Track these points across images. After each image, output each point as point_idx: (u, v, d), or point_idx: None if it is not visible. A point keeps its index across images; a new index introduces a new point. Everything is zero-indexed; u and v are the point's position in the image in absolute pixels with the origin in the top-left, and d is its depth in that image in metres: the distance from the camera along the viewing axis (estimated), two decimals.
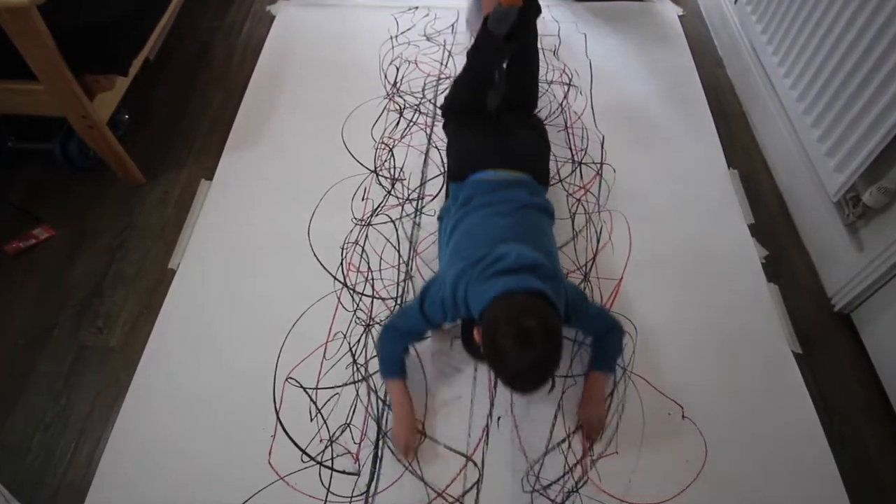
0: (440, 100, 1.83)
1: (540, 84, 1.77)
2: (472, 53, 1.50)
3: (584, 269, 1.45)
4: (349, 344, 1.31)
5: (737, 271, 1.46)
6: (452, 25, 2.11)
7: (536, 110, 1.63)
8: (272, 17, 2.15)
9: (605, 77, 1.95)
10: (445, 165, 1.59)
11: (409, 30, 2.10)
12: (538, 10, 1.48)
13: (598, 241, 1.51)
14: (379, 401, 1.22)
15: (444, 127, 1.58)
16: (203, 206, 1.56)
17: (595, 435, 1.19)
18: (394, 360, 1.19)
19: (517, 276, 1.04)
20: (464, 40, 2.05)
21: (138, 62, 1.50)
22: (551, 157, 1.60)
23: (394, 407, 1.19)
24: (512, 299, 1.01)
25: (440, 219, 1.44)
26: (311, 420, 1.20)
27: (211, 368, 1.27)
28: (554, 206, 1.35)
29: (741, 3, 1.90)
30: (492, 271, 1.06)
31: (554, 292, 1.05)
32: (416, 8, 2.19)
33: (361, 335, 1.32)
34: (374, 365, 1.27)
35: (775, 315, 1.38)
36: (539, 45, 1.58)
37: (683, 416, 1.22)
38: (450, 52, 2.00)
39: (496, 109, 1.41)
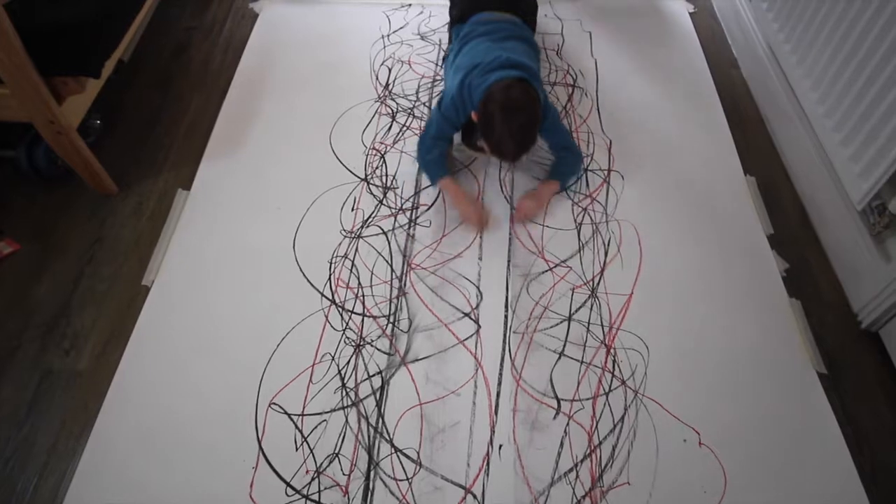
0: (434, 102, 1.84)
1: (543, 86, 1.83)
2: None
3: (591, 283, 1.44)
4: (338, 366, 1.30)
5: (756, 286, 1.46)
6: (448, 23, 2.12)
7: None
8: (255, 15, 2.17)
9: (611, 78, 1.96)
10: (449, 18, 1.95)
11: (401, 28, 2.11)
12: None
13: (606, 253, 1.51)
14: (370, 428, 1.21)
15: None
16: (180, 218, 1.55)
17: (520, 218, 1.56)
18: (436, 164, 1.56)
19: (506, 70, 1.45)
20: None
21: (111, 63, 1.51)
22: None
23: (453, 199, 1.56)
24: (501, 81, 1.42)
25: (444, 59, 1.82)
26: (297, 450, 1.19)
27: (187, 394, 1.25)
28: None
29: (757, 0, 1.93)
30: (488, 69, 1.47)
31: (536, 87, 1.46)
32: (410, 5, 2.21)
33: (351, 356, 1.31)
34: (365, 389, 1.26)
35: (798, 333, 1.38)
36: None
37: (700, 443, 1.21)
38: (446, 51, 2.01)
39: None
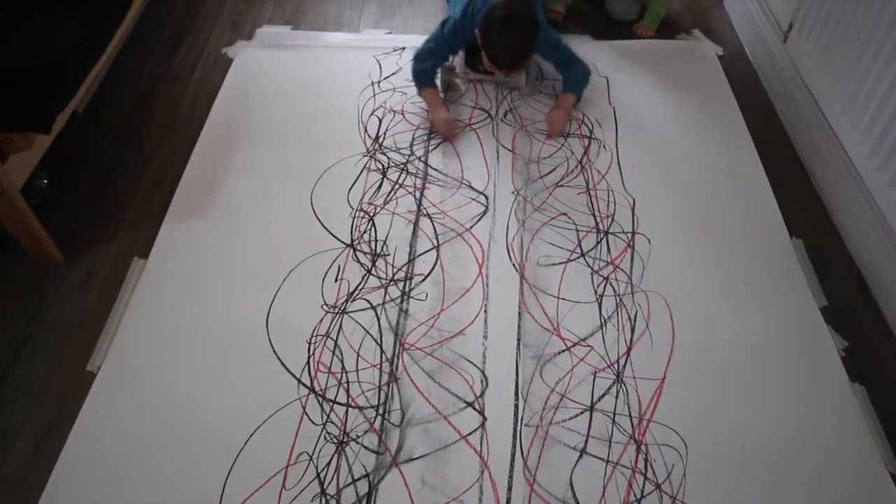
0: (431, 156, 1.88)
1: (556, 137, 1.97)
2: None
3: (616, 366, 1.43)
4: (316, 468, 1.27)
5: (810, 368, 1.45)
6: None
7: (552, 169, 1.70)
8: (229, 61, 2.25)
9: (632, 129, 2.02)
10: None
11: (393, 74, 2.19)
12: None
13: (633, 330, 1.50)
14: None
15: None
16: (134, 291, 1.56)
17: (555, 132, 1.96)
18: (426, 74, 1.98)
19: None
20: (459, 83, 2.13)
21: (64, 116, 1.55)
22: (572, 226, 1.71)
23: (430, 107, 1.98)
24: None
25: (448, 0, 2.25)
26: None
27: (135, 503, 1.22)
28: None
29: (793, 41, 2.00)
30: None
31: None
32: (403, 49, 2.29)
33: (333, 456, 1.29)
34: (349, 496, 1.23)
35: (864, 425, 1.36)
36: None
37: None
38: (444, 99, 2.07)
39: None
